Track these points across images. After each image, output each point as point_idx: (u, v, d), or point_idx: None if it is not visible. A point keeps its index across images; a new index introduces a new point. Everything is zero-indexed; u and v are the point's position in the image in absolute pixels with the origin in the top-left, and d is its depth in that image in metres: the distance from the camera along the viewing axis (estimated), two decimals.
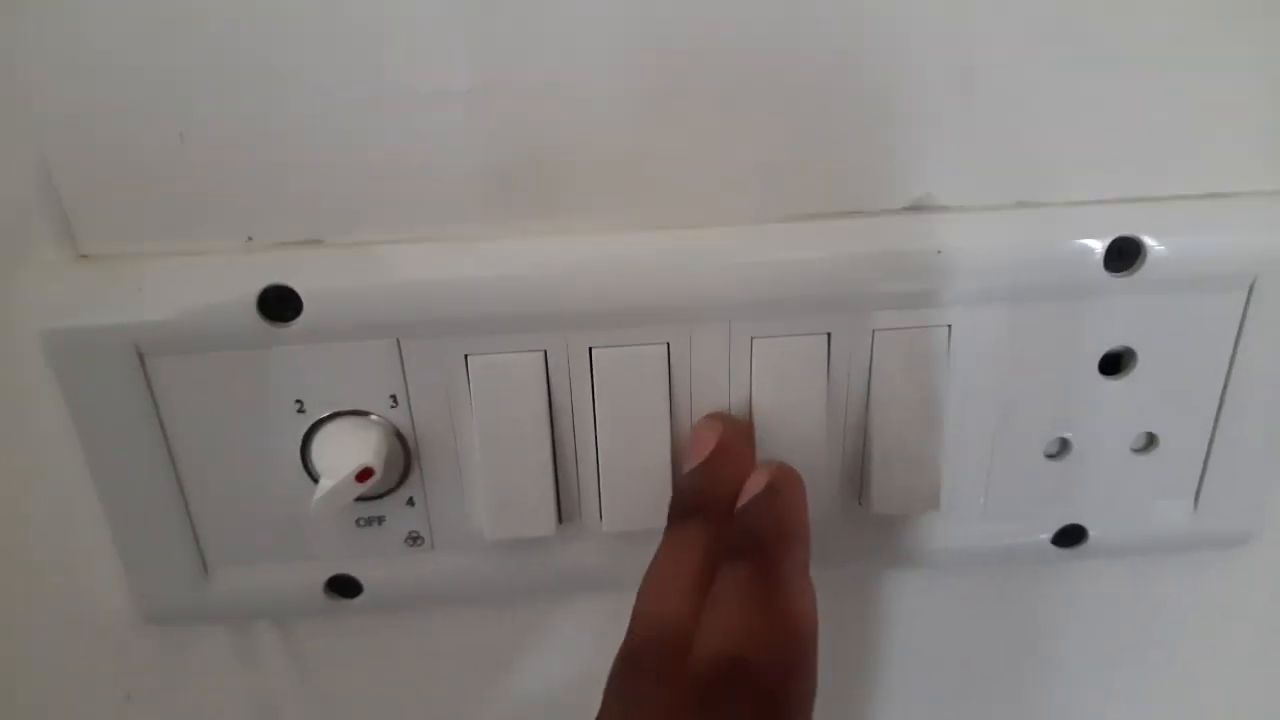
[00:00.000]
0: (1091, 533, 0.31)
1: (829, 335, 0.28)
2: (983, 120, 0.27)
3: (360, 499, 0.29)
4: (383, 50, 0.24)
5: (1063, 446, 0.30)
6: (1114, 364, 0.29)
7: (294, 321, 0.26)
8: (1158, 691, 0.37)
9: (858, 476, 0.30)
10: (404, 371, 0.27)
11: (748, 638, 0.23)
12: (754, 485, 0.26)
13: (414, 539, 0.30)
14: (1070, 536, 0.31)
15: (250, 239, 0.26)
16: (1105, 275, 0.27)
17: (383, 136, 0.25)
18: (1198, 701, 0.37)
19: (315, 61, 0.24)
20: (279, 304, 0.26)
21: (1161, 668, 0.36)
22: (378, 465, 0.27)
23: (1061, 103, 0.27)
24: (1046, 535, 0.31)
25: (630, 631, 0.25)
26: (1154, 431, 0.30)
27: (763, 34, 0.25)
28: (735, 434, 0.28)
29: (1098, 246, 0.27)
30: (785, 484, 0.26)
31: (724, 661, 0.23)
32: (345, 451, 0.27)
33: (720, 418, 0.28)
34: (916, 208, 0.27)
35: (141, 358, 0.26)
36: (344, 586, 0.30)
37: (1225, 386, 0.29)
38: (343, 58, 0.24)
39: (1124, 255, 0.27)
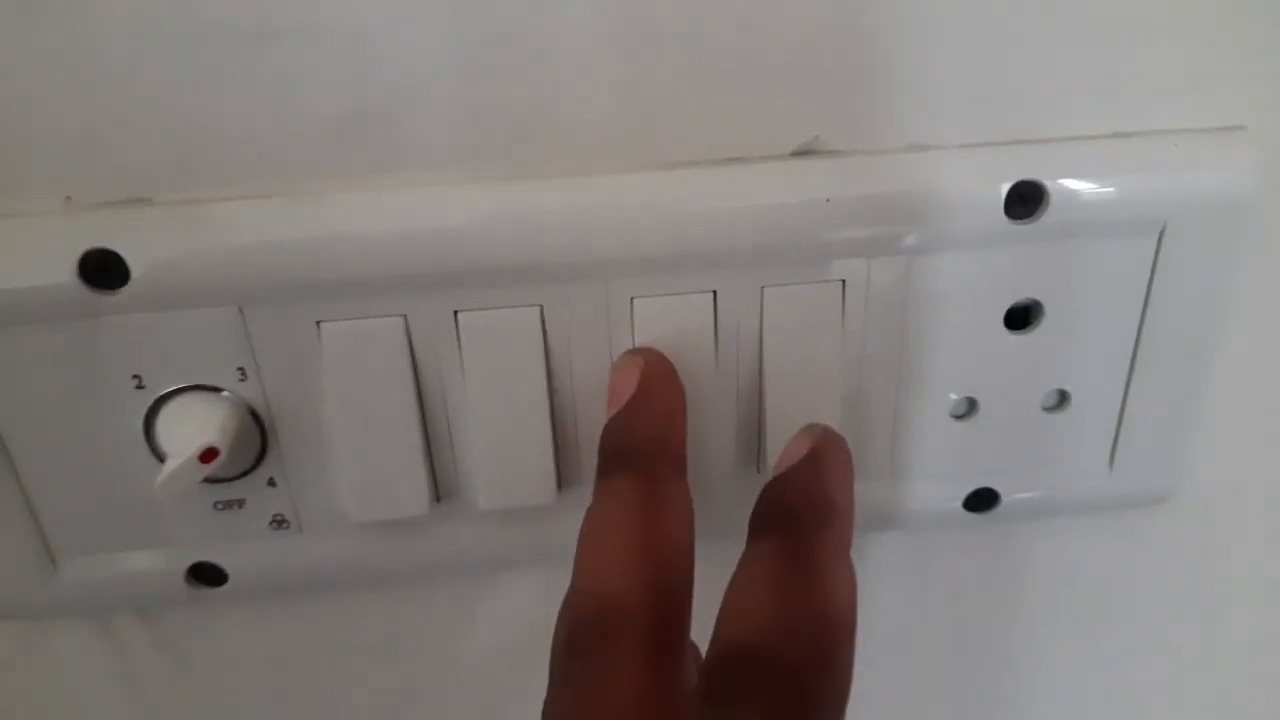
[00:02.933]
0: (1004, 496, 0.30)
1: (715, 293, 0.26)
2: (872, 58, 0.25)
3: (214, 480, 0.27)
4: None
5: (970, 406, 0.28)
6: (1021, 318, 0.28)
7: (122, 289, 0.24)
8: (1075, 655, 0.35)
9: (754, 441, 0.28)
10: (250, 341, 0.25)
11: (771, 626, 0.20)
12: (794, 452, 0.23)
13: (279, 522, 0.28)
14: (981, 500, 0.30)
15: (69, 198, 0.24)
16: (1006, 223, 0.25)
17: (211, 80, 0.23)
18: (1117, 664, 0.36)
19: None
20: (103, 270, 0.24)
21: (1079, 631, 0.35)
22: (223, 445, 0.25)
23: (956, 38, 0.25)
24: (957, 500, 0.30)
25: (567, 603, 0.22)
26: (1065, 389, 0.28)
27: None
28: (659, 368, 0.25)
29: (998, 192, 0.25)
30: (829, 452, 0.23)
31: (741, 652, 0.20)
32: (190, 430, 0.25)
33: (640, 353, 0.25)
34: (804, 153, 0.25)
35: None
36: (207, 574, 0.28)
37: (1138, 339, 0.28)
38: None
39: (1026, 201, 0.25)
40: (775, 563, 0.21)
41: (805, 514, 0.22)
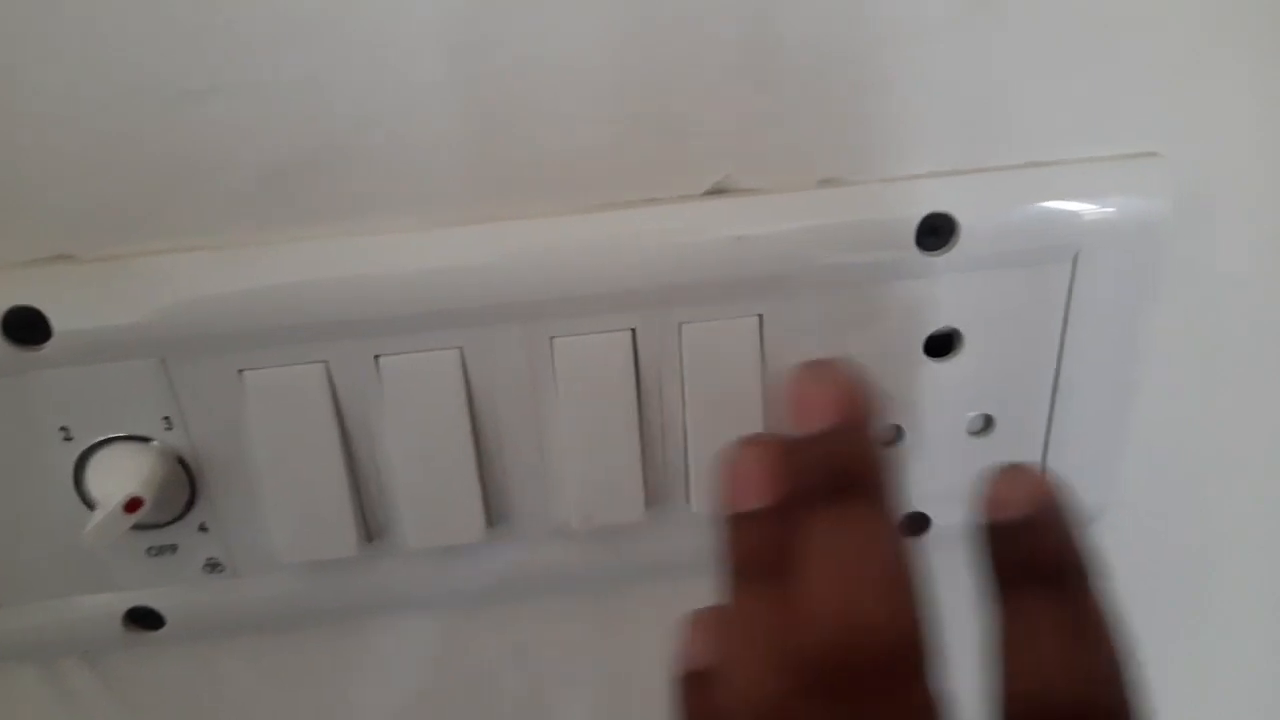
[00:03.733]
0: (935, 520, 0.30)
1: (633, 331, 0.26)
2: (783, 96, 0.25)
3: (147, 527, 0.27)
4: (125, 44, 0.22)
5: (896, 434, 0.29)
6: (942, 345, 0.28)
7: (45, 345, 0.24)
8: None
9: (681, 476, 0.28)
10: (174, 391, 0.25)
11: (1092, 678, 0.20)
12: (1009, 497, 0.22)
13: (212, 565, 0.28)
14: (913, 525, 0.30)
15: None
16: (919, 254, 0.26)
17: (131, 139, 0.23)
18: None
19: (49, 57, 0.22)
20: (26, 327, 0.24)
21: None
22: (147, 494, 0.25)
23: (866, 75, 0.25)
24: None
25: (821, 640, 0.19)
26: (990, 413, 0.29)
27: (546, 14, 0.23)
28: (857, 398, 0.22)
29: (909, 224, 0.26)
30: (1058, 496, 0.22)
31: (1076, 707, 0.20)
32: (117, 480, 0.25)
33: (830, 367, 0.22)
34: (717, 192, 0.26)
35: None
36: (145, 618, 0.29)
37: (1059, 362, 0.28)
38: (79, 53, 0.22)
39: (937, 232, 0.26)
40: (1062, 617, 0.21)
41: (1070, 563, 0.22)
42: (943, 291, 0.27)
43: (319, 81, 0.23)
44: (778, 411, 0.28)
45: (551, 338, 0.26)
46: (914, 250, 0.26)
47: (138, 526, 0.27)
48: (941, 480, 0.30)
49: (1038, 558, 0.22)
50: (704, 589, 0.30)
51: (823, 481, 0.21)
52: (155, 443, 0.26)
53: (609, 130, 0.25)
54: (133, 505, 0.25)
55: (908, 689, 0.19)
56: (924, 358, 0.28)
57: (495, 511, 0.28)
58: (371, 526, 0.28)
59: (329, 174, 0.24)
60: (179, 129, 0.23)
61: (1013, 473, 0.23)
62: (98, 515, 0.25)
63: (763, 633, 0.21)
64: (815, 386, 0.22)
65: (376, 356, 0.26)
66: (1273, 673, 0.37)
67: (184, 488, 0.27)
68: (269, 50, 0.23)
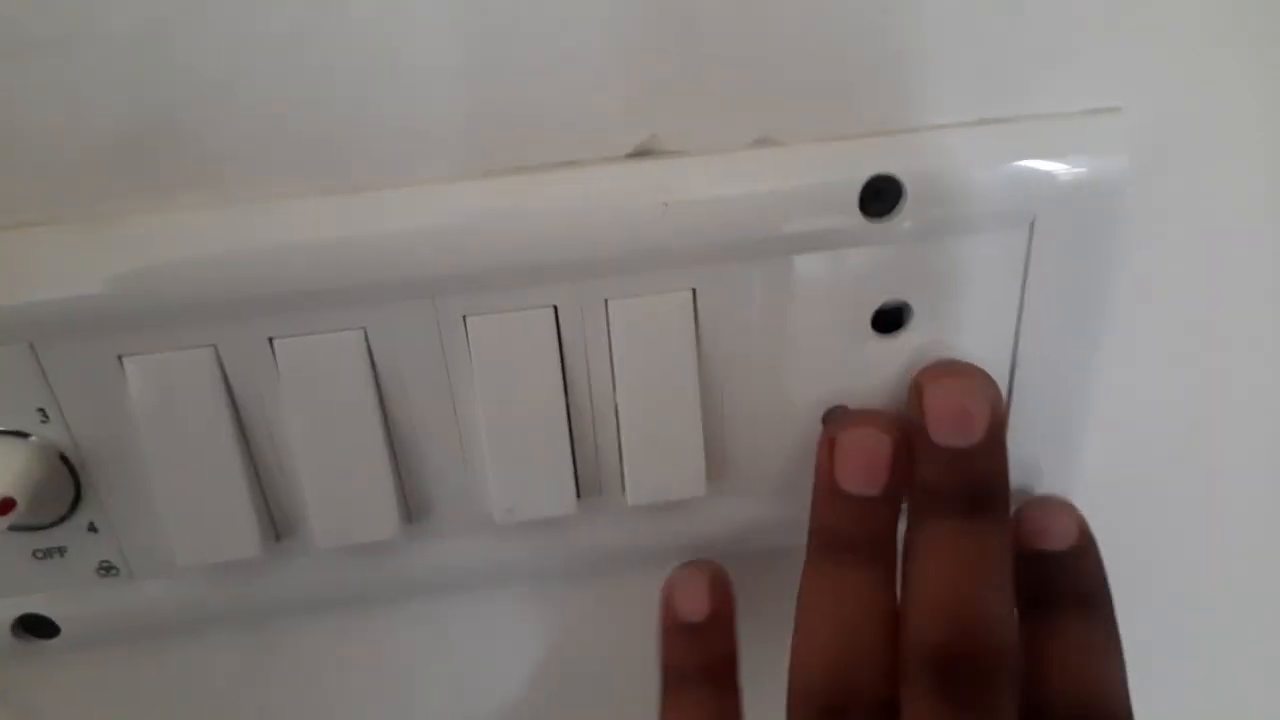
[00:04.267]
0: None
1: (555, 308, 0.24)
2: (710, 48, 0.23)
3: (30, 528, 0.25)
4: None
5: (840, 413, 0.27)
6: (893, 319, 0.26)
7: None
8: None
9: (614, 465, 0.26)
10: (48, 380, 0.23)
11: (1116, 695, 0.25)
12: (1067, 533, 0.26)
13: (106, 568, 0.26)
14: None
15: None
16: (863, 221, 0.24)
17: None
18: None
19: None
20: None
21: None
22: (20, 494, 0.23)
23: (800, 21, 0.23)
24: None
25: (946, 651, 0.23)
26: None
27: None
28: (1000, 414, 0.24)
29: (851, 188, 0.23)
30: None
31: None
32: None
33: (983, 379, 0.25)
34: (641, 153, 0.24)
35: None
36: (37, 626, 0.26)
37: (1017, 336, 0.26)
38: None
39: (882, 197, 0.24)
40: (1096, 635, 0.25)
41: (1102, 588, 0.26)
42: (890, 261, 0.25)
43: (188, 30, 0.21)
44: (715, 392, 0.26)
45: (464, 315, 0.24)
46: (858, 216, 0.24)
47: (19, 528, 0.25)
48: None
49: (1080, 583, 0.26)
50: (641, 581, 0.28)
51: (960, 492, 0.24)
52: (31, 437, 0.24)
53: (521, 84, 0.23)
54: (4, 506, 0.22)
55: (1009, 694, 0.22)
56: (871, 332, 0.26)
57: (413, 506, 0.26)
58: (279, 524, 0.26)
59: (207, 136, 0.22)
60: (18, 89, 0.21)
61: (1055, 505, 0.27)
62: None
63: (875, 617, 0.24)
64: (966, 399, 0.24)
65: (270, 339, 0.23)
66: (1232, 652, 0.35)
67: (68, 485, 0.24)
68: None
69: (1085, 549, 0.26)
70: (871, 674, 0.23)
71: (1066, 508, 0.27)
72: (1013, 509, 0.25)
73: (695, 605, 0.26)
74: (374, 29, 0.22)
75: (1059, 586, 0.26)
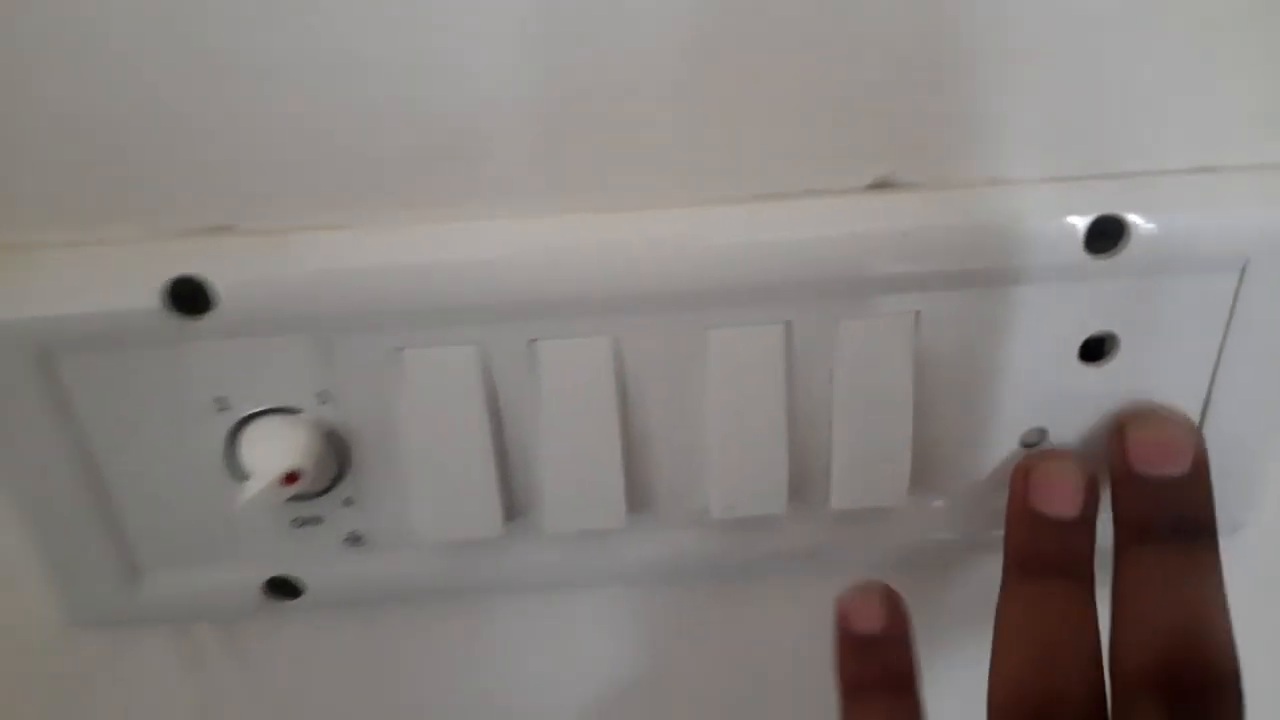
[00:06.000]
0: None
1: (788, 324, 0.26)
2: (950, 91, 0.24)
3: (294, 499, 0.27)
4: (285, 14, 0.22)
5: (1040, 436, 0.28)
6: (1096, 349, 0.27)
7: (207, 315, 0.24)
8: None
9: (819, 471, 0.28)
10: (331, 366, 0.25)
11: (1218, 630, 0.24)
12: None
13: (354, 539, 0.28)
14: None
15: (154, 226, 0.24)
16: (1085, 257, 0.25)
17: (294, 111, 0.23)
18: None
19: (212, 29, 0.22)
20: (189, 297, 0.24)
21: None
22: (305, 467, 0.25)
23: (1036, 70, 0.24)
24: None
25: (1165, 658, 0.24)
26: None
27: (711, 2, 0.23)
28: (1203, 445, 0.25)
29: (1078, 226, 0.25)
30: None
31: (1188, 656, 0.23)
32: (272, 452, 0.25)
33: (1182, 416, 0.26)
34: (880, 186, 0.25)
35: (48, 355, 0.25)
36: (283, 588, 0.29)
37: (1214, 374, 0.27)
38: (242, 23, 0.22)
39: (1106, 235, 0.25)
40: (1202, 568, 0.25)
41: (1210, 520, 0.25)
42: (1104, 295, 0.26)
43: (477, 59, 0.23)
44: (926, 407, 0.27)
45: (706, 329, 0.26)
46: (1081, 253, 0.25)
47: (289, 499, 0.27)
48: None
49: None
50: (836, 584, 0.30)
51: (1171, 519, 0.25)
52: (309, 416, 0.26)
53: (773, 118, 0.24)
54: (291, 479, 0.25)
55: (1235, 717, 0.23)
56: (1076, 360, 0.27)
57: (636, 498, 0.28)
58: (512, 507, 0.28)
59: (488, 155, 0.24)
60: (339, 103, 0.23)
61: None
62: (255, 486, 0.25)
63: (1078, 633, 0.25)
64: (1173, 432, 0.26)
65: (531, 341, 0.25)
66: None
67: (333, 462, 0.27)
68: (412, 24, 0.22)
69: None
70: (1078, 688, 0.24)
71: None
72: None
73: (869, 618, 0.27)
74: (646, 70, 0.23)
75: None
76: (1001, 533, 0.27)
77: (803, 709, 0.32)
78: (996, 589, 0.28)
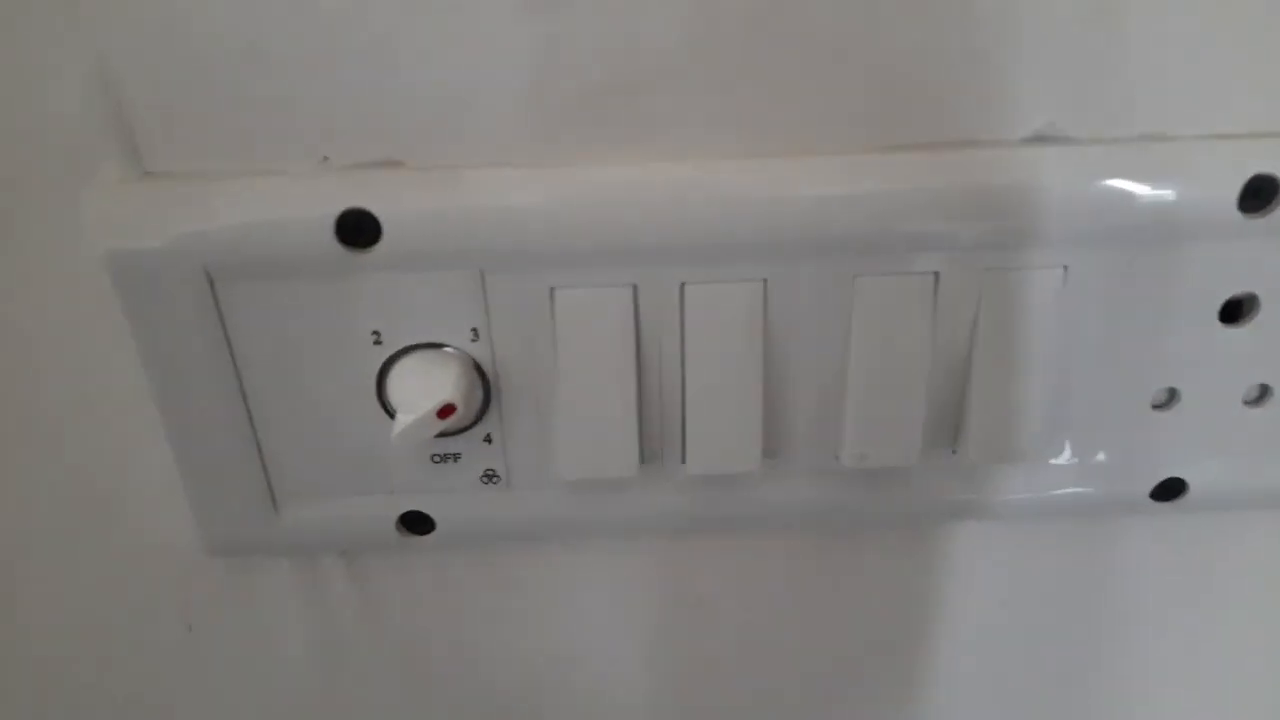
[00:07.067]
0: (1192, 486, 0.30)
1: (936, 275, 0.26)
2: (1111, 45, 0.24)
3: (436, 435, 0.28)
4: None
5: (1171, 396, 0.29)
6: (1234, 311, 0.28)
7: (373, 248, 0.25)
8: (1245, 651, 0.35)
9: (951, 422, 0.28)
10: (486, 304, 0.26)
11: None
12: None
13: (490, 476, 0.29)
14: (1169, 490, 0.30)
15: (326, 158, 0.25)
16: (1238, 216, 0.25)
17: (464, 53, 0.24)
18: None
19: None
20: (357, 229, 0.24)
21: (1253, 628, 0.35)
22: (459, 401, 0.26)
23: (1197, 27, 0.24)
24: (1145, 488, 0.30)
25: None
26: (1269, 384, 0.28)
27: None
28: None
29: (1231, 185, 0.25)
30: None
31: None
32: (424, 386, 0.26)
33: None
34: (1037, 139, 0.25)
35: (211, 282, 0.25)
36: (417, 523, 0.29)
37: None
38: None
39: (1260, 194, 0.25)
40: None
41: None
42: (1251, 255, 0.26)
43: (632, 3, 0.23)
44: (1068, 363, 0.27)
45: (855, 276, 0.26)
46: (1234, 211, 0.25)
47: None
48: (1205, 446, 0.29)
49: None
50: (965, 537, 0.30)
51: None
52: (453, 350, 0.27)
53: (928, 68, 0.25)
54: (446, 411, 0.25)
55: None
56: (1216, 321, 0.27)
57: (771, 445, 0.28)
58: (647, 450, 0.28)
59: (654, 98, 0.24)
60: (512, 42, 0.24)
61: None
62: (408, 418, 0.25)
63: None
64: None
65: (683, 284, 0.26)
66: None
67: (478, 399, 0.27)
68: None
69: None
70: None
71: None
72: None
73: None
74: (811, 18, 0.24)
75: None
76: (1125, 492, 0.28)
77: (920, 659, 0.32)
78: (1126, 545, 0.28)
